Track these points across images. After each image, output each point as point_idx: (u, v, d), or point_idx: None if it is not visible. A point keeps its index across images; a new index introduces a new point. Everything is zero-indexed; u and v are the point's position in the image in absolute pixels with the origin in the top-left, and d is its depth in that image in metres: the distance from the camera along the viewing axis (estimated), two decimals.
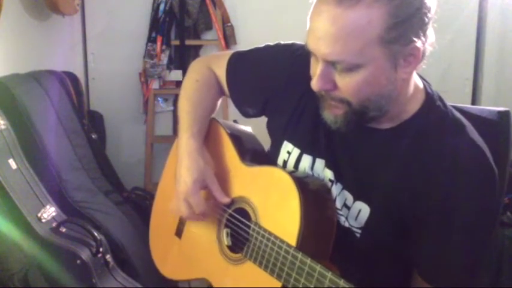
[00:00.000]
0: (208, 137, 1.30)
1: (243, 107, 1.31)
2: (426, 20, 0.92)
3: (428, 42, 0.95)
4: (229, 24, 3.02)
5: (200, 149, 1.22)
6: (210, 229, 1.24)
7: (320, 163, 1.12)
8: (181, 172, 1.20)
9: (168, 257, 1.38)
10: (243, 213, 1.16)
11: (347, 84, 0.94)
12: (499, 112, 1.18)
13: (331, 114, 1.00)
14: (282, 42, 1.25)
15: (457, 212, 0.97)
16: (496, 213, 1.07)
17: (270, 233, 1.05)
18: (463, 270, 1.01)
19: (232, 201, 1.19)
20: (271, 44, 1.28)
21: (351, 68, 0.92)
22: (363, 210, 1.05)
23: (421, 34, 0.92)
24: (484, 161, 0.99)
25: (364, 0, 0.87)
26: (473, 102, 2.99)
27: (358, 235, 1.06)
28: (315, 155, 1.13)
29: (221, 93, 1.34)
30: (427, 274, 1.03)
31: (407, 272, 1.09)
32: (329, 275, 0.90)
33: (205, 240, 1.25)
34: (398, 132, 1.03)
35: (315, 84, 0.97)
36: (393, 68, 0.93)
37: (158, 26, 3.00)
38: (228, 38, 3.01)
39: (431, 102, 1.04)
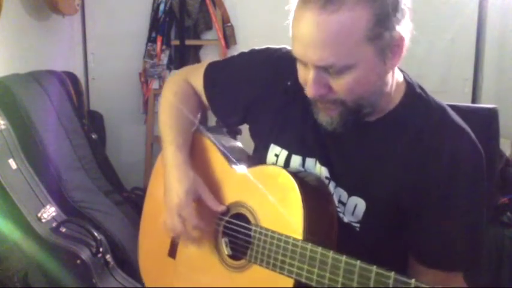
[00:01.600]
0: (193, 149, 1.26)
1: (224, 116, 1.30)
2: (406, 9, 0.94)
3: (408, 30, 0.97)
4: (229, 24, 3.02)
5: (187, 160, 1.20)
6: (207, 242, 1.19)
7: (311, 162, 1.12)
8: (171, 185, 1.17)
9: (163, 282, 1.29)
10: (241, 218, 1.13)
11: (341, 85, 0.95)
12: (489, 109, 1.27)
13: (327, 116, 1.01)
14: (256, 48, 1.25)
15: (455, 195, 0.99)
16: (486, 195, 1.08)
17: (274, 232, 1.03)
18: (464, 250, 1.02)
19: (228, 209, 1.16)
20: (246, 51, 1.28)
21: (343, 70, 0.93)
22: (358, 205, 1.05)
23: (403, 24, 0.94)
24: (473, 145, 1.02)
25: (346, 3, 0.88)
26: (473, 102, 2.98)
27: (357, 229, 1.06)
28: (304, 155, 1.12)
29: (200, 104, 1.32)
30: (428, 259, 1.03)
31: (407, 260, 1.09)
32: (343, 258, 0.89)
33: (203, 255, 1.19)
34: (386, 123, 1.04)
35: (309, 91, 0.97)
36: (382, 62, 0.95)
37: (158, 26, 3.01)
38: (228, 38, 3.01)
39: (412, 90, 1.06)
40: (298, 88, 1.10)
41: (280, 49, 1.20)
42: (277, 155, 1.16)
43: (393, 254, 1.07)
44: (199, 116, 1.32)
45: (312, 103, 1.03)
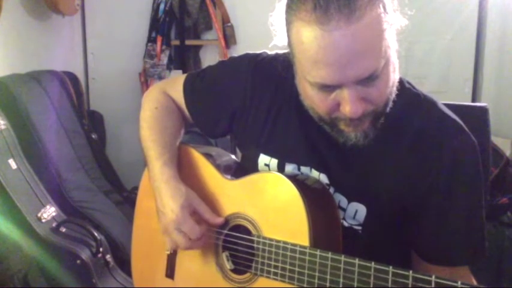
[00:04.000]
0: (181, 163, 1.20)
1: (208, 127, 1.25)
2: None
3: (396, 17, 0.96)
4: (229, 24, 3.02)
5: (176, 175, 1.14)
6: (207, 258, 1.13)
7: (305, 170, 1.09)
8: (163, 202, 1.11)
9: None
10: (241, 229, 1.08)
11: (379, 90, 0.92)
12: (480, 107, 1.28)
13: (359, 132, 0.95)
14: (235, 55, 1.21)
15: (457, 191, 0.99)
16: (483, 187, 1.07)
17: (278, 241, 0.99)
18: (468, 244, 1.02)
19: (226, 221, 1.11)
20: (224, 60, 1.25)
21: (379, 73, 0.89)
22: (359, 210, 1.04)
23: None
24: (470, 139, 1.01)
25: (364, 4, 0.85)
26: (473, 102, 2.98)
27: (359, 231, 1.06)
28: (298, 163, 1.10)
29: (183, 117, 1.27)
30: (433, 256, 1.03)
31: (410, 257, 1.09)
32: (356, 261, 0.87)
33: (203, 272, 1.13)
34: (384, 125, 1.00)
35: (354, 112, 0.90)
36: (394, 50, 0.93)
37: (158, 26, 3.01)
38: (228, 38, 3.01)
39: (402, 85, 1.03)
40: (285, 96, 1.10)
41: (260, 54, 1.17)
42: (267, 165, 1.13)
43: (396, 253, 1.07)
44: (183, 130, 1.27)
45: (333, 125, 0.97)
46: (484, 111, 1.27)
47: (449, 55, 2.89)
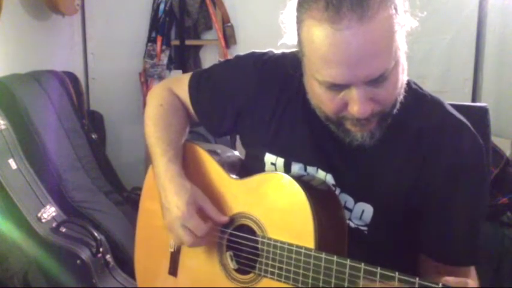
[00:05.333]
0: (186, 161, 1.19)
1: (213, 125, 1.25)
2: None
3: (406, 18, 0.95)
4: (229, 24, 3.02)
5: (181, 172, 1.14)
6: (211, 256, 1.13)
7: (312, 170, 1.09)
8: (168, 199, 1.10)
9: None
10: (246, 229, 1.08)
11: (387, 91, 0.91)
12: (480, 107, 1.29)
13: (366, 132, 0.95)
14: (241, 54, 1.21)
15: (459, 190, 1.00)
16: (488, 187, 1.08)
17: (283, 242, 0.99)
18: (470, 244, 1.04)
19: (231, 220, 1.10)
20: (231, 58, 1.25)
21: (389, 74, 0.89)
22: (366, 210, 1.04)
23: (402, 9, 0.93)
24: (474, 138, 1.01)
25: (376, 7, 0.85)
26: (473, 102, 2.98)
27: (365, 232, 1.06)
28: (305, 163, 1.10)
29: (188, 115, 1.27)
30: (438, 256, 1.03)
31: (415, 257, 1.09)
32: (362, 266, 0.86)
33: (207, 271, 1.13)
34: (388, 125, 1.00)
35: (362, 112, 0.90)
36: (403, 51, 0.93)
37: (158, 26, 3.01)
38: (228, 38, 3.01)
39: (409, 86, 1.03)
40: (292, 94, 1.10)
41: (266, 53, 1.17)
42: (273, 164, 1.13)
43: (402, 253, 1.07)
44: (188, 128, 1.27)
45: (340, 124, 0.97)
46: (484, 111, 1.28)
47: (449, 55, 2.89)
